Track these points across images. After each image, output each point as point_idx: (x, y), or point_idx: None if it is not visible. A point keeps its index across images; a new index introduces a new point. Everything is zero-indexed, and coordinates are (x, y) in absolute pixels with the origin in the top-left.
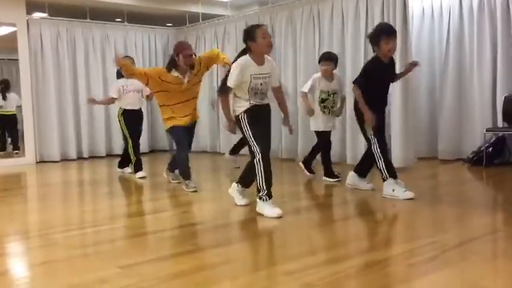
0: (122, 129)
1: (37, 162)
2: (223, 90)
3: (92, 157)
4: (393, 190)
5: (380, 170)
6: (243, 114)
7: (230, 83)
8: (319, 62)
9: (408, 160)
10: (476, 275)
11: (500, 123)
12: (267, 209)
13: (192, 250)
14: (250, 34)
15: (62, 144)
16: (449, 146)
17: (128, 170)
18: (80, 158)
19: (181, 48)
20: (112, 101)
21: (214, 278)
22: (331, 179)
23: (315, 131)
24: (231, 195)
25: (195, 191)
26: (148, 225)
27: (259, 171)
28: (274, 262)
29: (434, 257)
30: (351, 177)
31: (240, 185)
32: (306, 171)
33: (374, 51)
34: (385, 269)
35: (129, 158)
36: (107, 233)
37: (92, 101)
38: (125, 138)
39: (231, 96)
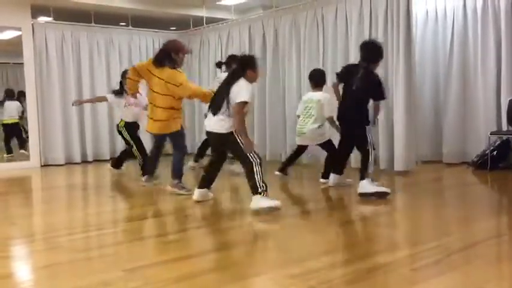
0: (125, 139)
1: (42, 166)
2: (240, 107)
3: (96, 160)
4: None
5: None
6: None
7: (247, 98)
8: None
9: (411, 163)
10: (481, 279)
11: (504, 126)
12: (268, 201)
13: (195, 253)
14: (252, 63)
15: (67, 147)
16: (454, 149)
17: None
18: (84, 161)
19: (181, 46)
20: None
21: (217, 281)
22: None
23: (328, 140)
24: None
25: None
26: (152, 229)
27: (258, 173)
28: (278, 266)
29: (438, 260)
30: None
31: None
32: (344, 180)
33: (366, 64)
34: (388, 273)
35: (123, 159)
36: (111, 236)
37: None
38: (129, 145)
39: (226, 114)
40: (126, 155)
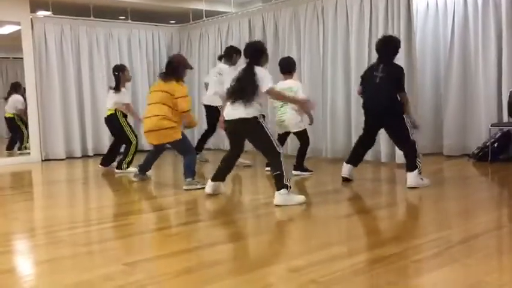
0: (124, 130)
1: (42, 160)
2: (271, 90)
3: (97, 155)
4: (422, 179)
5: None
6: (261, 117)
7: (271, 84)
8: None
9: None
10: (481, 271)
11: (505, 118)
12: (294, 198)
13: (197, 247)
14: (263, 49)
15: (67, 142)
16: (455, 141)
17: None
18: (84, 155)
19: (186, 61)
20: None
21: (219, 274)
22: (305, 173)
23: (303, 130)
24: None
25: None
26: (153, 222)
27: (284, 166)
28: (279, 259)
29: (439, 253)
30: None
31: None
32: (305, 173)
33: (390, 58)
34: (389, 266)
35: (115, 156)
36: (112, 230)
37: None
38: (126, 139)
39: (248, 100)
40: (116, 150)
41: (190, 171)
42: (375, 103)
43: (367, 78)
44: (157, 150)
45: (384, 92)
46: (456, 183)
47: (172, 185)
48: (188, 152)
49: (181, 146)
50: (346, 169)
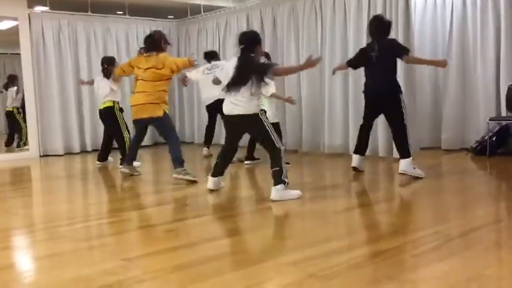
0: (119, 124)
1: (41, 156)
2: (277, 70)
3: (95, 150)
4: (414, 168)
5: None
6: (263, 112)
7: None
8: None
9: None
10: (480, 265)
11: (503, 112)
12: (292, 193)
13: (195, 242)
14: (259, 38)
15: (65, 137)
16: (453, 135)
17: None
18: (83, 151)
19: (166, 36)
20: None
21: (217, 269)
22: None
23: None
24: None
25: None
26: (152, 218)
27: (283, 162)
28: (279, 253)
29: (437, 246)
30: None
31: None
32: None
33: (386, 35)
34: (388, 260)
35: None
36: (111, 225)
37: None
38: (119, 133)
39: (249, 94)
40: (110, 144)
41: (178, 162)
42: (376, 88)
43: (363, 62)
44: (138, 139)
45: (382, 74)
46: (454, 177)
47: (171, 180)
48: (172, 136)
49: (164, 126)
50: (355, 160)
